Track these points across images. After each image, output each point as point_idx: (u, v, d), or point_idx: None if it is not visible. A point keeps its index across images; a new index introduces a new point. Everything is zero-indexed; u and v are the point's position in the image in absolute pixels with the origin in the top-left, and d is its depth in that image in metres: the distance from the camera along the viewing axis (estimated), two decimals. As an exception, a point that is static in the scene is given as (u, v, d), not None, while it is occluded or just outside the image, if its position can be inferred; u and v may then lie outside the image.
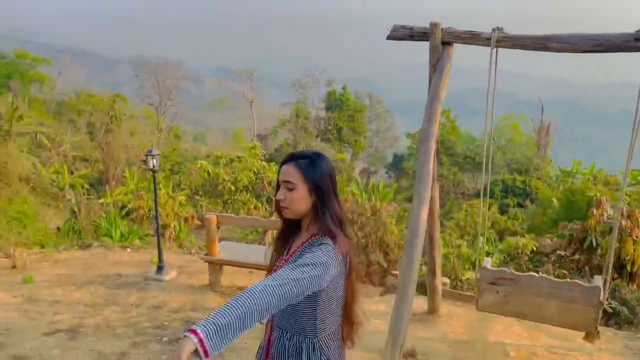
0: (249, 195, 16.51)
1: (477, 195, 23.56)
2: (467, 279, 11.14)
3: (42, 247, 10.88)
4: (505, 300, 4.50)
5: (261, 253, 6.77)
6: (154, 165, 6.81)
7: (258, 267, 6.30)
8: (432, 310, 5.60)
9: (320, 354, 1.85)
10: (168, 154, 24.05)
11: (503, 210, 20.56)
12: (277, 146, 36.61)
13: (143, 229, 14.00)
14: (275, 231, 11.61)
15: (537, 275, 4.51)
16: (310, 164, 1.81)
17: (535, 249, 11.28)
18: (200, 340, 1.40)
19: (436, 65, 4.55)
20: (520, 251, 11.85)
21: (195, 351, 1.40)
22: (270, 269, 1.84)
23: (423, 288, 6.08)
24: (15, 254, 7.49)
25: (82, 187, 18.29)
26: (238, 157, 20.40)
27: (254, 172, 16.50)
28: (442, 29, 4.51)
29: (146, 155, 6.90)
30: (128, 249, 9.71)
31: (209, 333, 1.42)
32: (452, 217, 18.07)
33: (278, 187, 1.85)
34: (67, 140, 20.80)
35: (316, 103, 40.96)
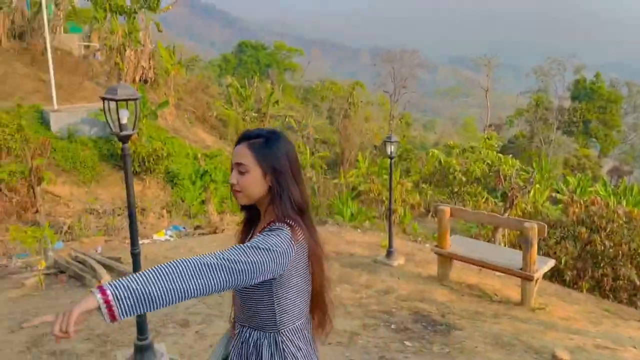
0: (479, 187, 15.87)
1: None
2: None
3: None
4: None
5: (494, 252, 6.35)
6: (391, 152, 6.92)
7: (490, 267, 5.91)
8: None
9: (284, 351, 1.65)
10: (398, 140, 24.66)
11: None
12: (511, 137, 34.47)
13: (371, 211, 14.62)
14: (507, 229, 10.86)
15: None
16: (264, 145, 1.64)
17: None
18: (107, 302, 1.27)
19: None
20: None
21: (99, 309, 1.28)
22: None
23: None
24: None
25: (321, 167, 19.93)
26: (471, 148, 19.77)
27: (487, 163, 15.79)
28: None
29: (385, 141, 7.05)
30: (358, 230, 10.19)
31: (120, 296, 1.28)
32: None
33: (233, 169, 1.70)
34: (311, 123, 22.84)
35: (560, 92, 37.16)
